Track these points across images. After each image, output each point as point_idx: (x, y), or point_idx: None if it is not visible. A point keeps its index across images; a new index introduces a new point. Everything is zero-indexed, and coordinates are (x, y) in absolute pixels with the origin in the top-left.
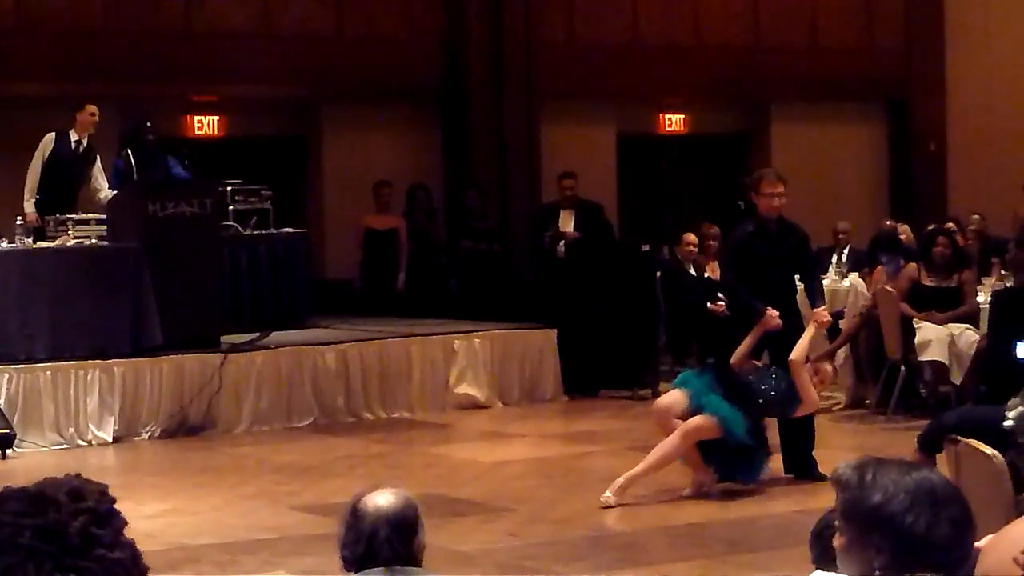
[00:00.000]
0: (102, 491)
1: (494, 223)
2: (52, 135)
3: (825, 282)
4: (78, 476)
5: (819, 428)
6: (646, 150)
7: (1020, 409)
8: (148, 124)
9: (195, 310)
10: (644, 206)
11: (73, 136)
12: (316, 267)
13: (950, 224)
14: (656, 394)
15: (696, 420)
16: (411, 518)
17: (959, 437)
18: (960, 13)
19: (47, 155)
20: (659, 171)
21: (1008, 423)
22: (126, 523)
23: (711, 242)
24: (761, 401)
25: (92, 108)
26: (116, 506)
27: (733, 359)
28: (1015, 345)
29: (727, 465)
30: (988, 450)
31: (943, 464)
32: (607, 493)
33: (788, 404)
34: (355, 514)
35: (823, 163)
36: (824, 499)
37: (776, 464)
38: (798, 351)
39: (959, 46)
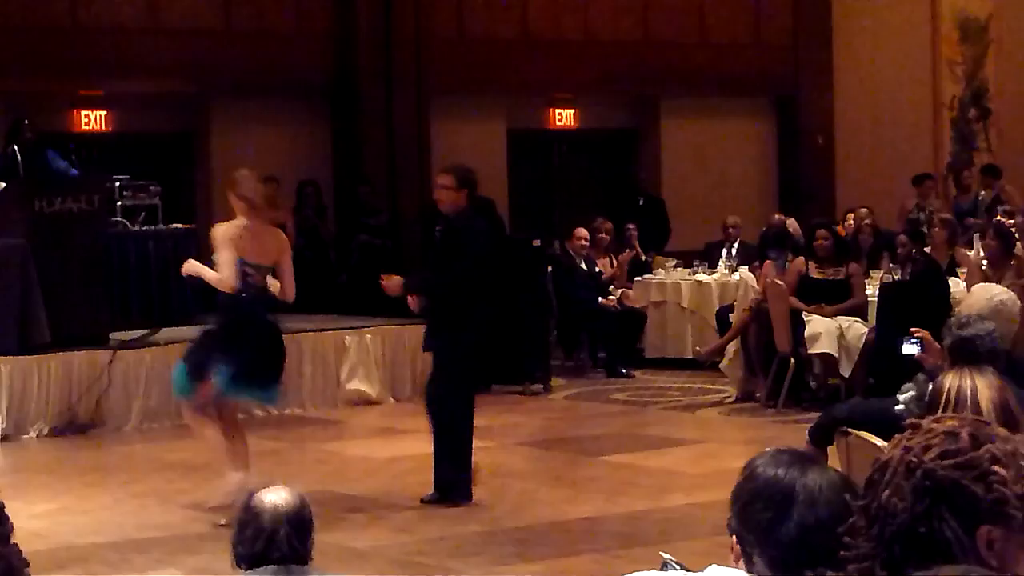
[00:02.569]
0: None
1: (384, 219)
2: None
3: (715, 276)
4: None
5: (710, 421)
6: (537, 145)
7: (911, 394)
8: (25, 122)
9: (83, 307)
10: (535, 201)
11: None
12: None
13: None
14: (548, 389)
15: None
16: (307, 516)
17: (849, 429)
18: (846, 8)
19: None
20: (550, 166)
21: (899, 407)
22: (12, 527)
23: (602, 236)
24: None
25: None
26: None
27: None
28: (900, 342)
29: None
30: (878, 441)
31: (834, 456)
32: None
33: None
34: (251, 511)
35: (712, 158)
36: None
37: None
38: None
39: (845, 41)
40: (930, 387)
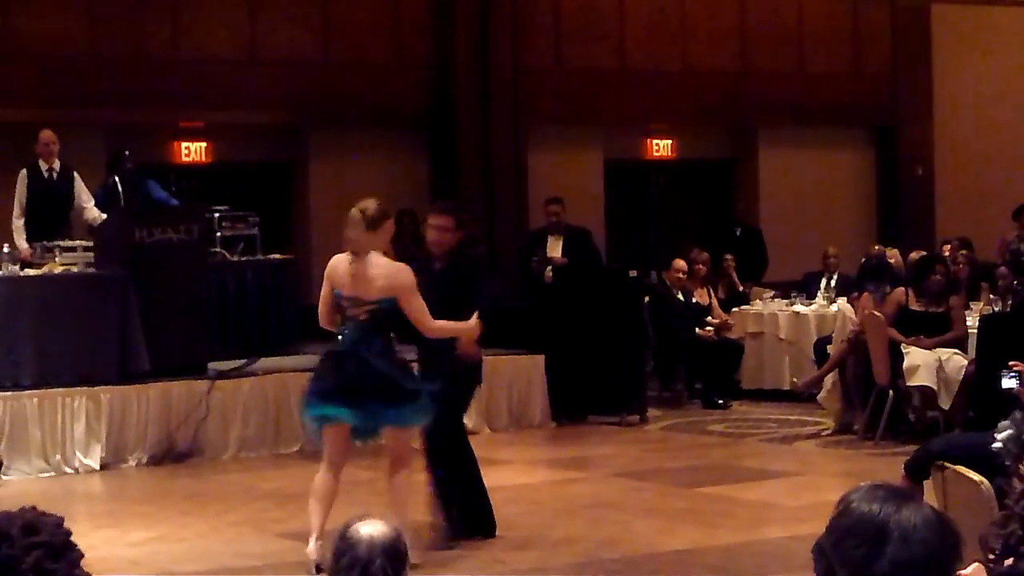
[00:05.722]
0: (57, 524)
1: (482, 249)
2: (24, 171)
3: (812, 307)
4: (33, 509)
5: (808, 454)
6: (634, 175)
7: (1009, 432)
8: (126, 152)
9: (182, 337)
10: (632, 231)
11: (43, 165)
12: (303, 293)
13: (948, 246)
14: (644, 420)
15: None
16: (402, 548)
17: (946, 464)
18: (946, 37)
19: (25, 190)
20: (647, 196)
21: (996, 445)
22: (82, 555)
23: (700, 267)
24: None
25: (46, 135)
26: (73, 538)
27: None
28: (999, 375)
29: None
30: (975, 476)
31: (930, 491)
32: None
33: None
34: (347, 541)
35: (811, 188)
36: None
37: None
38: None
39: (945, 70)
40: None
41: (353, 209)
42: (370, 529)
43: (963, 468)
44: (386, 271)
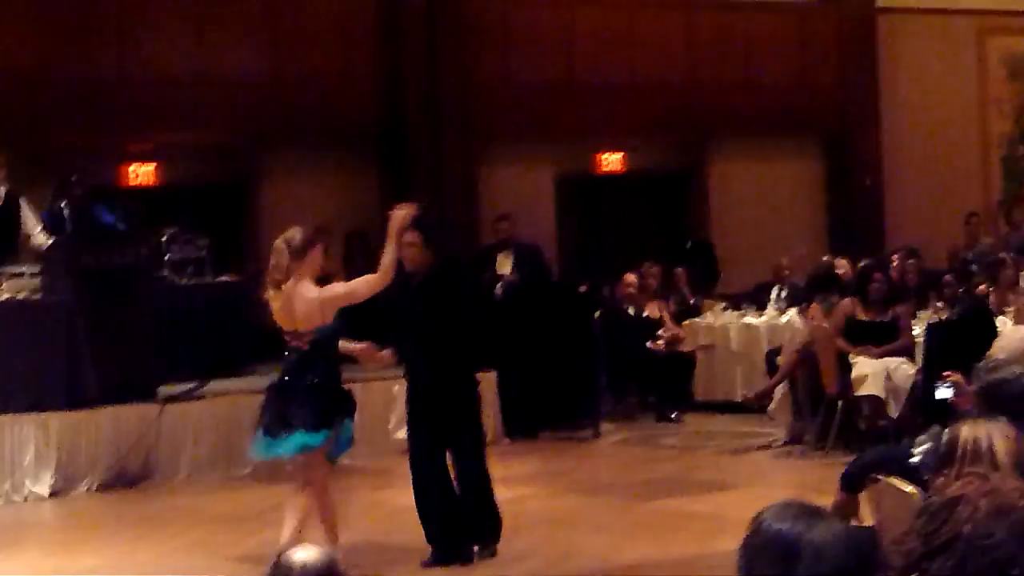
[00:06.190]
0: None
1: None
2: None
3: (763, 318)
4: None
5: (760, 465)
6: (584, 190)
7: (927, 446)
8: (74, 177)
9: (131, 361)
10: (584, 246)
11: None
12: (255, 314)
13: (897, 255)
14: (597, 434)
15: None
16: (337, 573)
17: (879, 476)
18: (893, 46)
19: None
20: (598, 211)
21: (914, 459)
22: None
23: (650, 281)
24: None
25: None
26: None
27: None
28: (934, 386)
29: None
30: (908, 488)
31: (865, 503)
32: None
33: None
34: (280, 569)
35: (761, 199)
36: None
37: None
38: None
39: (892, 80)
40: (945, 439)
41: (277, 240)
42: (303, 557)
43: (896, 479)
44: (309, 298)
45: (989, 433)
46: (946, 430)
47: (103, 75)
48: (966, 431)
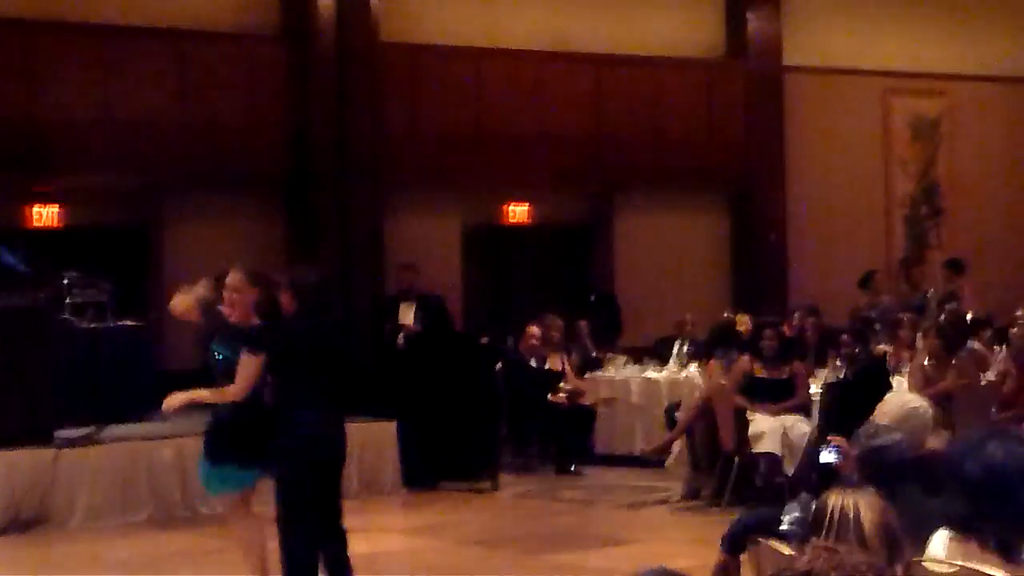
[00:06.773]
0: None
1: (339, 315)
2: None
3: (665, 373)
4: None
5: (656, 520)
6: (490, 241)
7: (795, 515)
8: None
9: (27, 404)
10: (490, 296)
11: None
12: (158, 359)
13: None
14: (496, 486)
15: None
16: None
17: (759, 538)
18: (798, 106)
19: None
20: (503, 262)
21: (783, 527)
22: None
23: (554, 333)
24: None
25: None
26: None
27: None
28: (819, 450)
29: None
30: (787, 550)
31: (747, 564)
32: None
33: None
34: None
35: (666, 254)
36: None
37: None
38: None
39: (798, 139)
40: (813, 507)
41: (232, 273)
42: None
43: (776, 541)
44: None
45: (856, 504)
46: (813, 500)
47: (8, 115)
48: (833, 501)
